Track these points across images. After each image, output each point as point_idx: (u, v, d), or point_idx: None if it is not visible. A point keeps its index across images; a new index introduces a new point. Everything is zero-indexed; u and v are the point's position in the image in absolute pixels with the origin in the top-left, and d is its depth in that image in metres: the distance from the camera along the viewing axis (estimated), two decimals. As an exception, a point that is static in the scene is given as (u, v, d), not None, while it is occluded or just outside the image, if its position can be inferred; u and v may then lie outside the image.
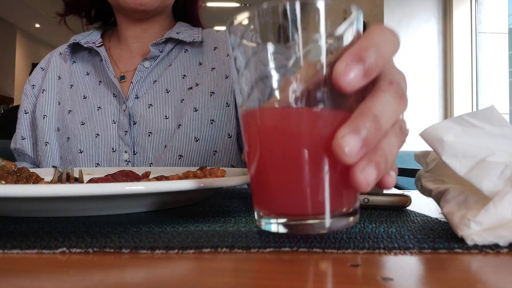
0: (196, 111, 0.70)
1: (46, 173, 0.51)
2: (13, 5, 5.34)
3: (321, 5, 0.23)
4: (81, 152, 0.70)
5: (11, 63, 6.10)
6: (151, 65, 0.73)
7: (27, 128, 0.78)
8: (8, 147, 0.80)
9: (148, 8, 0.69)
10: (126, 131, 0.70)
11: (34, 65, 2.13)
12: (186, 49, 0.77)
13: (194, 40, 0.75)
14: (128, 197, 0.31)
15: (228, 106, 0.71)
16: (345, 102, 0.24)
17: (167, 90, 0.72)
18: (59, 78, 0.78)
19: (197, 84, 0.72)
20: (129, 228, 0.28)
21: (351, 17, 0.24)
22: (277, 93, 0.24)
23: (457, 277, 0.19)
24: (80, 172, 0.47)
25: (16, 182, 0.38)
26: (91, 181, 0.38)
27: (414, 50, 2.84)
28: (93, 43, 0.76)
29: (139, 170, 0.49)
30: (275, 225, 0.25)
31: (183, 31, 0.76)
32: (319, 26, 0.23)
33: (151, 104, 0.71)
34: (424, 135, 0.27)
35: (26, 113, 0.78)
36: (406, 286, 0.18)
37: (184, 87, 0.73)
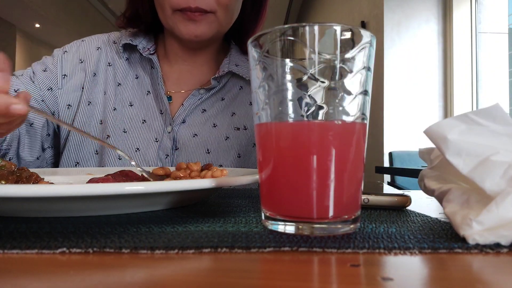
0: (240, 157, 0.71)
1: (46, 173, 0.51)
2: (13, 5, 5.33)
3: (337, 28, 0.26)
4: (119, 159, 0.68)
5: (11, 63, 6.11)
6: (205, 93, 0.73)
7: (45, 85, 0.70)
8: None
9: (203, 39, 0.68)
10: (167, 155, 0.69)
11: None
12: (241, 86, 0.76)
13: None
14: (128, 197, 0.31)
15: None
16: (350, 116, 0.26)
17: (214, 124, 0.72)
18: (109, 65, 0.74)
19: (245, 128, 0.73)
20: (129, 228, 0.28)
21: (363, 41, 0.26)
22: (290, 105, 0.26)
23: (457, 277, 0.19)
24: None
25: (16, 182, 0.38)
26: (91, 181, 0.38)
27: (414, 50, 2.84)
28: (148, 49, 0.73)
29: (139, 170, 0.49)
30: (282, 226, 0.27)
31: (241, 63, 0.75)
32: (333, 47, 0.26)
33: (196, 134, 0.71)
34: (428, 133, 0.27)
35: (44, 70, 0.71)
36: (406, 286, 0.18)
37: (231, 125, 0.73)
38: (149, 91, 0.73)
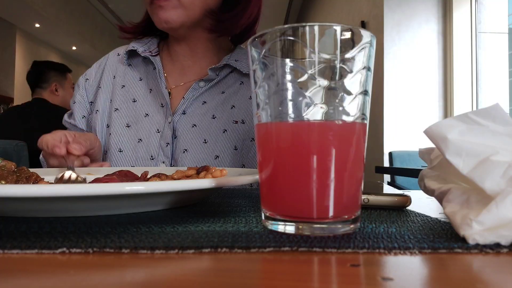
0: (236, 150, 0.74)
1: (46, 173, 0.51)
2: (13, 5, 5.33)
3: (337, 28, 0.26)
4: (120, 152, 0.73)
5: (11, 63, 6.09)
6: (205, 86, 0.77)
7: (79, 114, 0.82)
8: (8, 147, 0.80)
9: (173, 26, 0.71)
10: (168, 143, 0.73)
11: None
12: (242, 82, 0.80)
13: None
14: (128, 197, 0.31)
15: None
16: (350, 116, 0.26)
17: (213, 116, 0.76)
18: (114, 77, 0.82)
19: (243, 122, 0.76)
20: (129, 228, 0.28)
21: (363, 41, 0.26)
22: (290, 105, 0.26)
23: (457, 277, 0.19)
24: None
25: (16, 182, 0.38)
26: (92, 181, 0.38)
27: (414, 50, 2.84)
28: (150, 52, 0.79)
29: (138, 170, 0.49)
30: (282, 226, 0.27)
31: (242, 60, 0.79)
32: (333, 47, 0.26)
33: (195, 125, 0.74)
34: (428, 133, 0.27)
35: (74, 103, 0.82)
36: (406, 286, 0.18)
37: (230, 118, 0.76)
38: (151, 89, 0.79)
